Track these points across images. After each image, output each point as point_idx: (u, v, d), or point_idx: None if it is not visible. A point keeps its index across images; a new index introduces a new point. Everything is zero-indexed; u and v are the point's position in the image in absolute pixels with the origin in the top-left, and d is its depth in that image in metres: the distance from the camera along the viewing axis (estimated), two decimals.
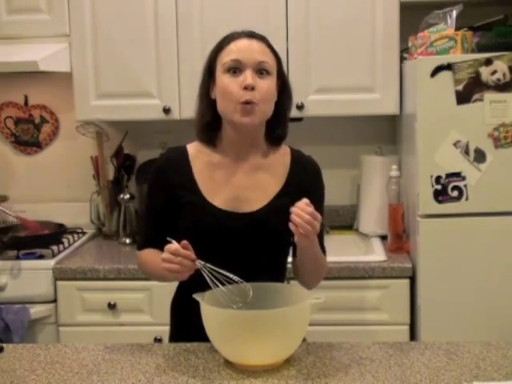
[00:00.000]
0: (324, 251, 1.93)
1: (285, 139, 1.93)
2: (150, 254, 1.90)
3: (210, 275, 1.67)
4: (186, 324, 1.90)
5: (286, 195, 1.84)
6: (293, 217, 1.65)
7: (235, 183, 1.86)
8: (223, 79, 1.78)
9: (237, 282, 1.68)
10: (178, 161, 1.88)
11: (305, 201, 1.67)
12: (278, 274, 1.91)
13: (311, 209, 1.66)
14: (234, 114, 1.77)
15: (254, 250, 1.83)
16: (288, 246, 1.88)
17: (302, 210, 1.65)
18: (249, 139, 1.85)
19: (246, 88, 1.75)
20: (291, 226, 1.66)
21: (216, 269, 1.68)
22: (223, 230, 1.82)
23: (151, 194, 1.93)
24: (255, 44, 1.80)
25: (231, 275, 1.68)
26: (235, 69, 1.77)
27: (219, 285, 1.67)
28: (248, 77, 1.75)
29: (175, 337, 1.97)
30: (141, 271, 2.02)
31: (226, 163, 1.87)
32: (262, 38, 1.83)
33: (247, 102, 1.75)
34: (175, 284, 1.99)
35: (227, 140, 1.86)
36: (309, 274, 1.90)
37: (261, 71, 1.78)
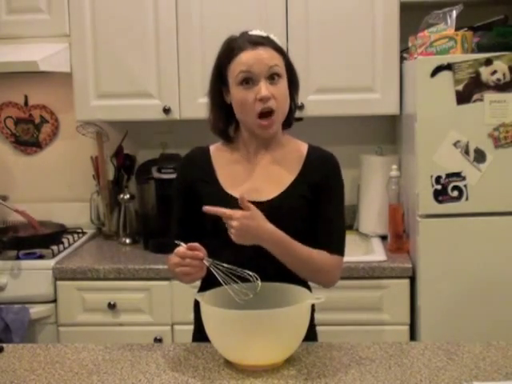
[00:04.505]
0: (336, 250, 1.96)
1: (293, 122, 1.96)
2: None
3: (219, 272, 1.68)
4: None
5: (298, 186, 1.89)
6: None
7: (252, 176, 1.91)
8: (238, 92, 1.83)
9: (247, 275, 1.69)
10: (200, 158, 1.96)
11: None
12: None
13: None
14: (254, 127, 1.85)
15: None
16: (301, 236, 1.86)
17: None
18: (265, 138, 1.91)
19: (261, 100, 1.80)
20: None
21: (224, 265, 1.70)
22: None
23: (176, 191, 1.99)
24: (261, 51, 1.82)
25: (240, 269, 1.69)
26: (248, 80, 1.81)
27: (230, 280, 1.68)
28: (262, 89, 1.80)
29: (198, 333, 1.96)
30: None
31: (244, 158, 1.94)
32: (265, 42, 1.84)
33: (265, 113, 1.81)
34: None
35: (245, 139, 1.93)
36: (298, 272, 1.87)
37: (272, 76, 1.82)
